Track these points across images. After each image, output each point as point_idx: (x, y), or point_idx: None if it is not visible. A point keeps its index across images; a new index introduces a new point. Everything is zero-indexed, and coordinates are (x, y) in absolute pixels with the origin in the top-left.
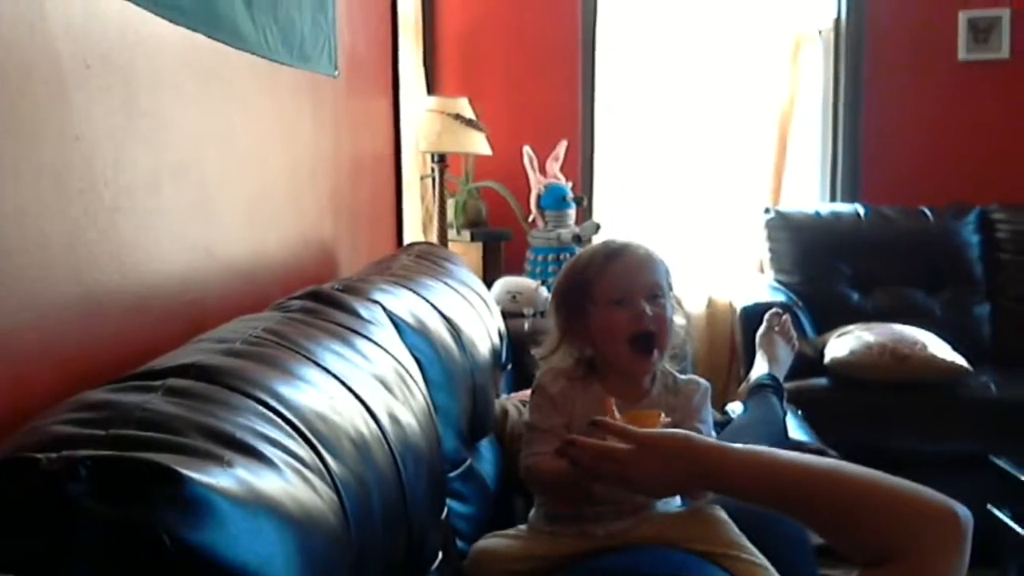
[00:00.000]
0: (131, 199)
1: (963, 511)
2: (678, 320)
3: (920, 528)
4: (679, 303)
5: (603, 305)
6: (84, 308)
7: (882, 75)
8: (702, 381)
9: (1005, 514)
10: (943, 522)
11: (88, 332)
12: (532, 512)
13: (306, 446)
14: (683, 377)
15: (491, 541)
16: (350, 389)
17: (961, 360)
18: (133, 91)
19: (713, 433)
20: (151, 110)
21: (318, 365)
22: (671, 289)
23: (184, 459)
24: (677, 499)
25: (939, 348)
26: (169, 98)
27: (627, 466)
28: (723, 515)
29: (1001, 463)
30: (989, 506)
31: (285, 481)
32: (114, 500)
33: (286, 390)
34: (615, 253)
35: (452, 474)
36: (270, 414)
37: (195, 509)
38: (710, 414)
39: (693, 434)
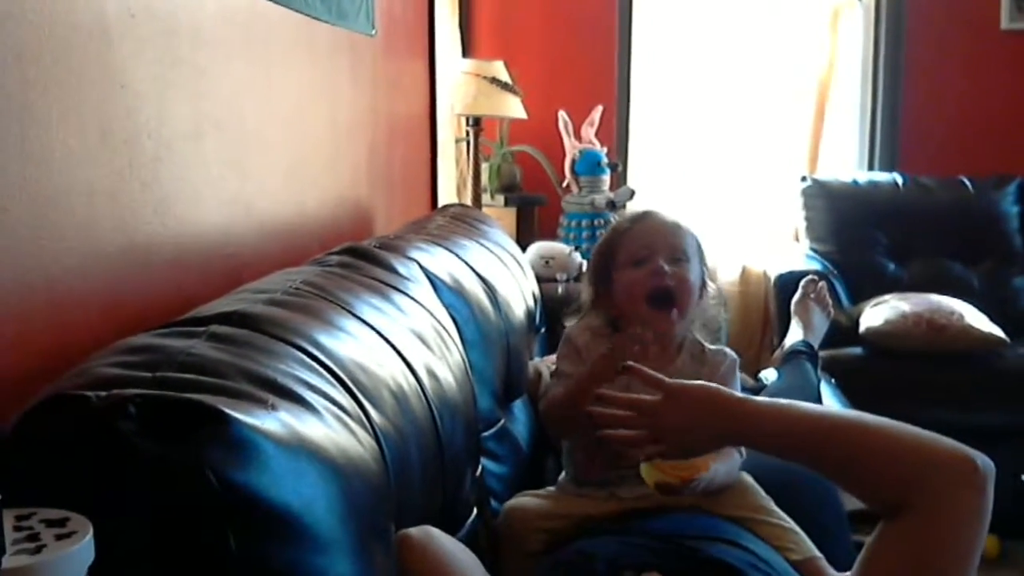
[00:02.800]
0: (173, 150)
1: (982, 459)
2: (710, 291)
3: (932, 473)
4: (712, 277)
5: (625, 266)
6: (127, 256)
7: (923, 43)
8: (730, 352)
9: None
10: (956, 468)
11: (130, 280)
12: (562, 476)
13: (347, 394)
14: (712, 348)
15: (523, 499)
16: (388, 342)
17: (998, 331)
18: (175, 42)
19: None
20: (192, 62)
21: (357, 317)
22: (701, 261)
23: (229, 401)
24: None
25: (976, 319)
26: (209, 51)
27: (655, 416)
28: (750, 480)
29: None
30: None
31: (327, 427)
32: (162, 438)
33: (327, 340)
34: (639, 217)
35: (486, 433)
36: (311, 362)
37: (240, 449)
38: (738, 385)
39: (718, 386)
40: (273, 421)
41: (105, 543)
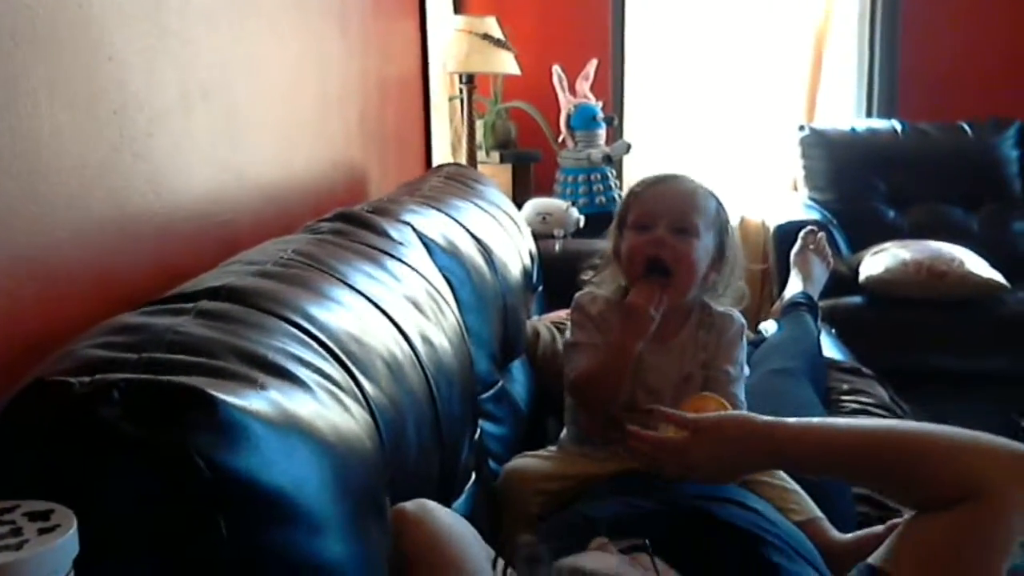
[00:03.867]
0: (164, 121)
1: None
2: (734, 265)
3: (991, 465)
4: (739, 258)
5: (632, 228)
6: (119, 229)
7: None
8: (737, 316)
9: None
10: (1013, 458)
11: (123, 253)
12: (562, 434)
13: (339, 367)
14: (720, 311)
15: (522, 461)
16: (382, 310)
17: (999, 276)
18: (163, 13)
19: (745, 372)
20: (180, 32)
21: (349, 286)
22: (720, 233)
23: (217, 382)
24: None
25: (976, 264)
26: (197, 19)
27: (685, 454)
28: None
29: None
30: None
31: (319, 403)
32: (148, 423)
33: (318, 311)
34: (658, 180)
35: (484, 395)
36: (302, 335)
37: (229, 432)
38: (743, 353)
39: (749, 414)
40: (262, 401)
41: (91, 534)
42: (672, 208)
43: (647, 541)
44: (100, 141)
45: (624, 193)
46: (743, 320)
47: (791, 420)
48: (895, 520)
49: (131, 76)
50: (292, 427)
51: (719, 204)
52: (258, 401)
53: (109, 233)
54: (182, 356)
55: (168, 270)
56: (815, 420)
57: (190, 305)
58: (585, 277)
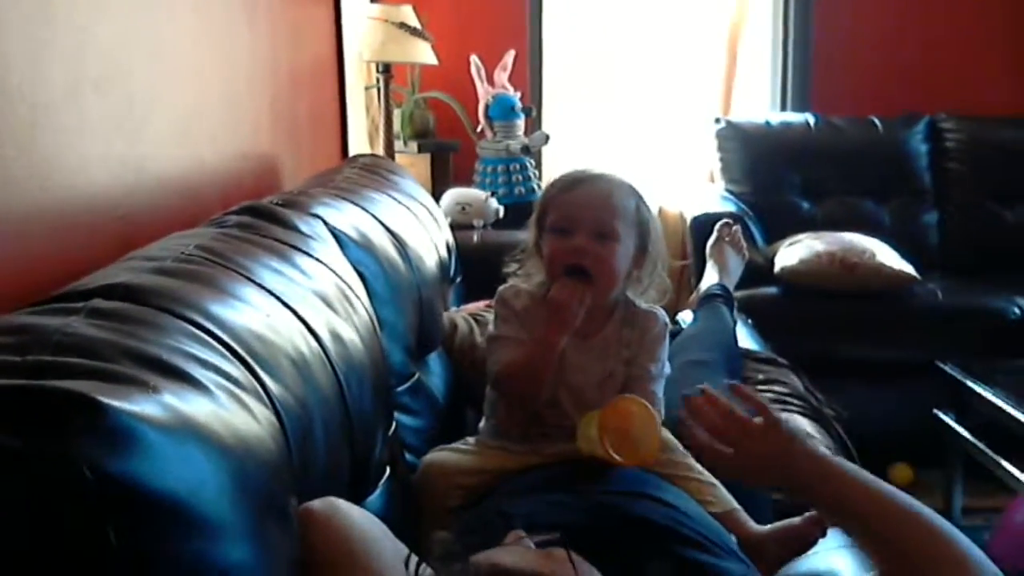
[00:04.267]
0: (51, 113)
1: None
2: (657, 260)
3: None
4: (662, 253)
5: (550, 231)
6: (2, 226)
7: None
8: (661, 314)
9: (950, 417)
10: None
11: (9, 250)
12: (481, 425)
13: (241, 367)
14: (644, 308)
15: (440, 454)
16: (289, 307)
17: (909, 268)
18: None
19: (667, 370)
20: (68, 19)
21: (254, 283)
22: (641, 234)
23: (106, 386)
24: None
25: (887, 256)
26: (88, 6)
27: (750, 439)
28: (671, 437)
29: (947, 369)
30: (935, 411)
31: (217, 404)
32: (29, 432)
33: (220, 310)
34: (575, 181)
35: (400, 388)
36: (202, 335)
37: (117, 439)
38: (666, 352)
39: (802, 432)
40: (155, 405)
41: None
42: (591, 214)
43: (563, 535)
44: None
45: (543, 186)
46: (667, 318)
47: (837, 460)
48: (811, 513)
49: (13, 67)
50: (187, 431)
51: (639, 200)
52: (150, 405)
53: None
54: (70, 359)
55: (61, 268)
56: (856, 469)
57: (81, 304)
58: (508, 269)
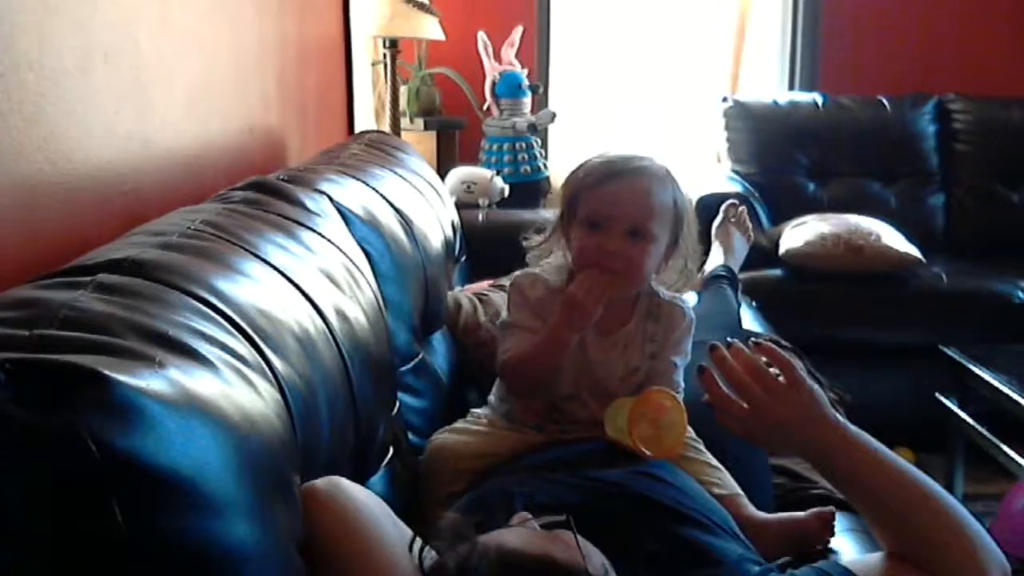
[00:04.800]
0: (59, 83)
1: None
2: (673, 273)
3: (989, 563)
4: (693, 248)
5: (582, 224)
6: (9, 198)
7: None
8: (687, 309)
9: (952, 401)
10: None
11: (15, 223)
12: (492, 398)
13: (247, 343)
14: (668, 300)
15: (451, 436)
16: (294, 284)
17: (914, 251)
18: None
19: (688, 358)
20: None
21: (260, 259)
22: (675, 230)
23: (112, 360)
24: None
25: (893, 239)
26: None
27: (774, 397)
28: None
29: (950, 352)
30: (937, 394)
31: (222, 381)
32: (36, 405)
33: (225, 285)
34: (612, 175)
35: (404, 368)
36: (208, 311)
37: (122, 413)
38: (690, 347)
39: (823, 397)
40: (160, 380)
41: None
42: (627, 212)
43: (569, 517)
44: None
45: (574, 174)
46: (692, 313)
47: (855, 430)
48: (820, 509)
49: (21, 35)
50: (192, 407)
51: (676, 192)
52: (155, 380)
53: None
54: (76, 333)
55: (67, 242)
56: (875, 443)
57: (88, 279)
58: (529, 243)
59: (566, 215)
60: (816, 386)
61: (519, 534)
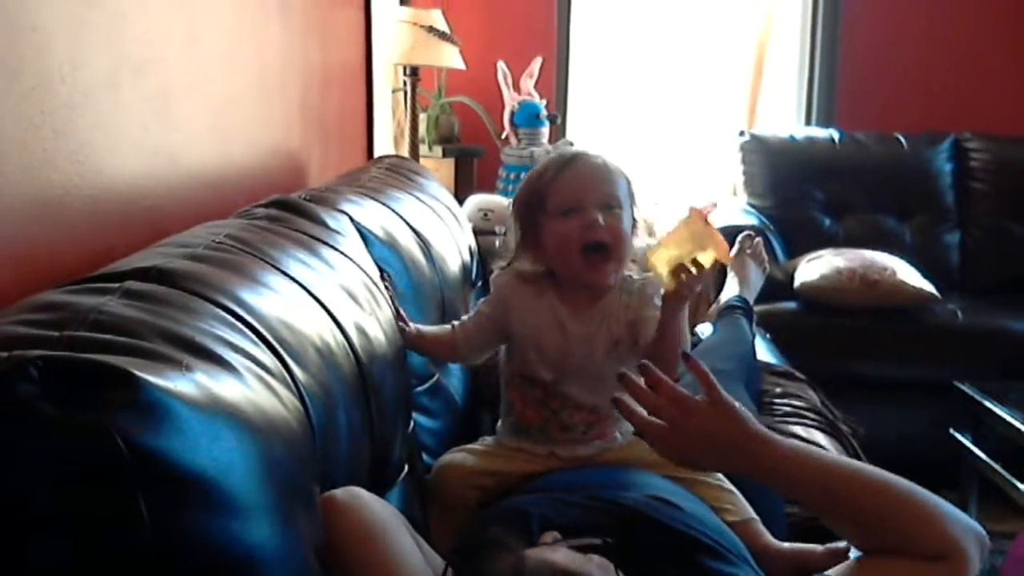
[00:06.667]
0: (89, 97)
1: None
2: (640, 237)
3: (962, 534)
4: (643, 220)
5: (555, 215)
6: (39, 208)
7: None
8: (654, 283)
9: (966, 438)
10: (976, 531)
11: (43, 233)
12: (498, 425)
13: (270, 353)
14: (639, 278)
15: (457, 455)
16: (316, 298)
17: (929, 287)
18: None
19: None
20: (110, 1)
21: (283, 273)
22: (632, 203)
23: (141, 362)
24: None
25: (908, 274)
26: None
27: (690, 416)
28: None
29: (964, 388)
30: (952, 430)
31: (247, 387)
32: (67, 402)
33: (249, 296)
34: (568, 162)
35: (419, 389)
36: (232, 320)
37: (151, 413)
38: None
39: (751, 418)
40: (188, 383)
41: (6, 514)
42: (599, 188)
43: (606, 540)
44: (19, 116)
45: (527, 182)
46: (658, 286)
47: (786, 441)
48: (834, 545)
49: (55, 48)
50: (218, 410)
51: (622, 171)
52: (183, 383)
53: (28, 212)
54: (105, 335)
55: (94, 253)
56: (807, 450)
57: (116, 285)
58: (493, 269)
59: (531, 220)
60: (738, 404)
61: (564, 554)
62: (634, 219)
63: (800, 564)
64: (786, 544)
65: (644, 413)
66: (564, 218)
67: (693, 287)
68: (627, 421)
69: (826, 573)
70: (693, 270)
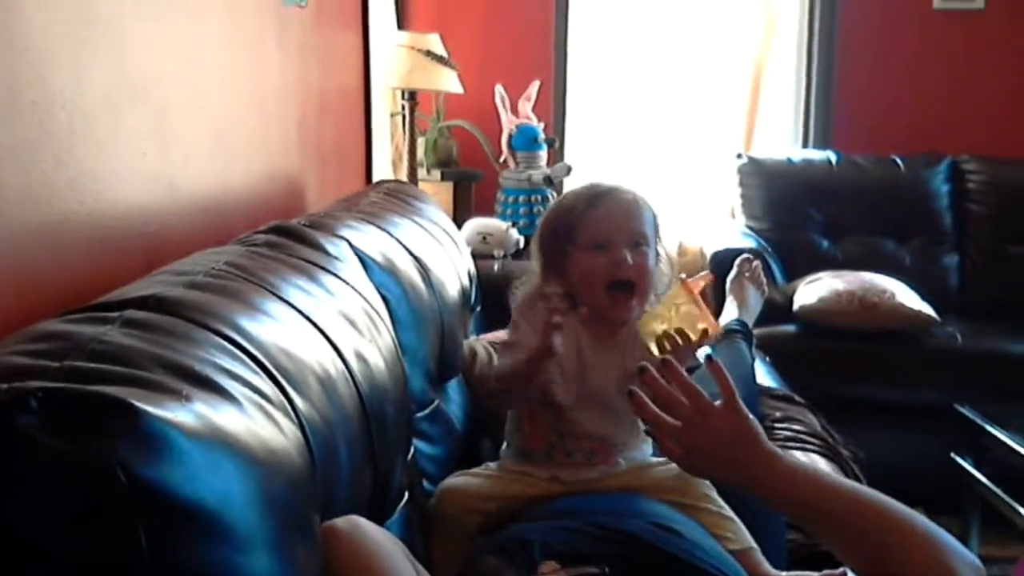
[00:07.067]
0: (89, 122)
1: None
2: (663, 269)
3: (961, 568)
4: (666, 252)
5: (584, 249)
6: (39, 235)
7: (857, 22)
8: None
9: (968, 462)
10: (975, 568)
11: (42, 260)
12: (502, 449)
13: (270, 382)
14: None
15: (459, 480)
16: (315, 325)
17: (928, 309)
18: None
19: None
20: (110, 21)
21: (282, 300)
22: (658, 237)
23: (140, 392)
24: (647, 450)
25: (907, 297)
26: (128, 9)
27: (706, 418)
28: None
29: (965, 412)
30: (953, 454)
31: (247, 417)
32: (66, 433)
33: (249, 324)
34: (600, 197)
35: (419, 415)
36: (232, 348)
37: (151, 444)
38: None
39: (762, 433)
40: (187, 413)
41: (5, 546)
42: (628, 225)
43: (604, 568)
44: (18, 141)
45: (555, 212)
46: None
47: (793, 459)
48: (831, 572)
49: (55, 70)
50: (218, 440)
51: (649, 205)
52: (182, 413)
53: (27, 239)
54: (105, 365)
55: (92, 281)
56: (810, 468)
57: (115, 314)
58: (513, 297)
59: (558, 249)
60: (753, 417)
61: None
62: (658, 252)
63: None
64: (784, 573)
65: (658, 410)
66: (594, 252)
67: (681, 359)
68: (639, 417)
69: None
70: (679, 340)
